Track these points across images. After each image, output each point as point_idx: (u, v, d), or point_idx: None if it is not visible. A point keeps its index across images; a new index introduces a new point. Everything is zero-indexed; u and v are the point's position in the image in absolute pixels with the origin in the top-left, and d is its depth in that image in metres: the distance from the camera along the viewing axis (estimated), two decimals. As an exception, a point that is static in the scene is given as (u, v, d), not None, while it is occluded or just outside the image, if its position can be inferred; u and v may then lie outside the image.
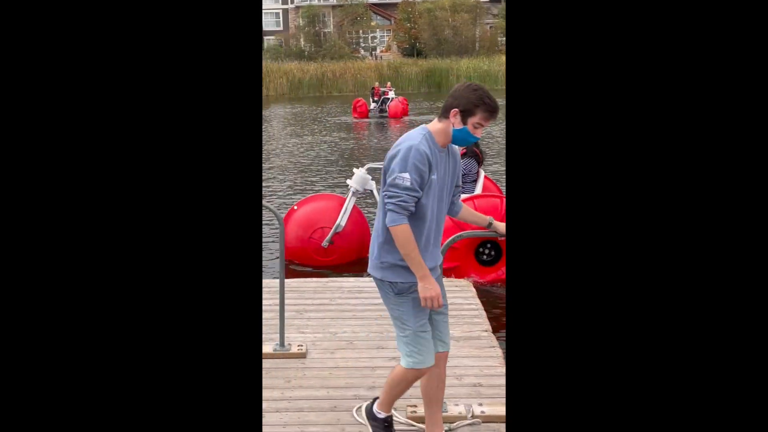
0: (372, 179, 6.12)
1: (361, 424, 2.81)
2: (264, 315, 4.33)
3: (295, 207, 6.16)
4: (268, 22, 51.90)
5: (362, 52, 45.04)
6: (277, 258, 5.67)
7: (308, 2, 49.52)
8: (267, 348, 3.55)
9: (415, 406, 2.86)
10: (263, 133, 17.47)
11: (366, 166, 6.25)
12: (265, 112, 24.79)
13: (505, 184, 6.77)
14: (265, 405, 2.85)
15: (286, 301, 3.62)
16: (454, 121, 2.30)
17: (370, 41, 47.49)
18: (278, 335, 3.58)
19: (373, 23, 48.11)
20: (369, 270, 2.48)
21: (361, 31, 47.47)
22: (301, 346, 3.63)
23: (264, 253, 5.91)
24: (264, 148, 14.58)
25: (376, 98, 21.81)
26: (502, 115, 2.42)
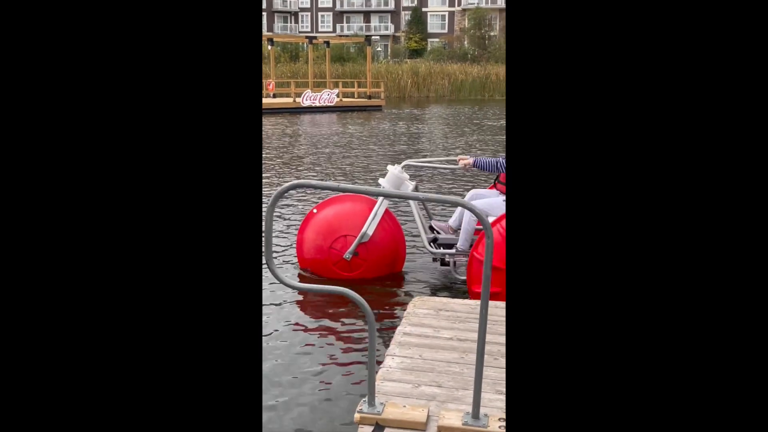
0: (410, 179, 4.55)
1: None
2: (442, 354, 2.75)
3: (314, 210, 4.78)
4: (434, 24, 51.51)
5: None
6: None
7: (475, 5, 48.53)
8: (451, 419, 2.15)
9: None
10: (418, 131, 16.40)
11: (403, 163, 4.76)
12: (424, 112, 23.88)
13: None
14: None
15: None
16: None
17: (537, 46, 45.47)
18: (471, 396, 2.16)
19: (542, 28, 46.01)
20: None
21: (528, 36, 45.63)
22: (504, 422, 2.17)
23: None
24: (417, 146, 13.41)
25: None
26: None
